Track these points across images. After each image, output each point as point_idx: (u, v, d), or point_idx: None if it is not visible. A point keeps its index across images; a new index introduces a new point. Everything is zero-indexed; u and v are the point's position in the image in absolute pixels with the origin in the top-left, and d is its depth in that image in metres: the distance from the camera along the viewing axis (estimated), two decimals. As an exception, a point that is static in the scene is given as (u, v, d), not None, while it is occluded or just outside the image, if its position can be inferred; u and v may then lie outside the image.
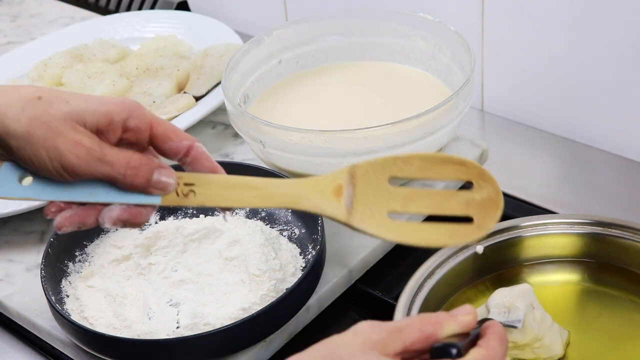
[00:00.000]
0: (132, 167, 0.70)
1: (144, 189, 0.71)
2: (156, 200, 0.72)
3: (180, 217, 1.01)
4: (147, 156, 0.71)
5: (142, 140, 0.71)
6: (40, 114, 0.69)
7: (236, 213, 1.00)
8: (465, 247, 0.90)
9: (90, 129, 0.69)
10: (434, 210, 0.71)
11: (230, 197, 0.73)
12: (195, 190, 0.72)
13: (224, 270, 0.92)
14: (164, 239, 0.96)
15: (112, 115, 0.69)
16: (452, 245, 0.72)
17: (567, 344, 0.82)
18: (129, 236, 0.98)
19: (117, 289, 0.91)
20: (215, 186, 0.72)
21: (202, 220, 0.99)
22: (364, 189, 0.70)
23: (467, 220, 0.71)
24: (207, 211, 1.01)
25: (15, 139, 0.69)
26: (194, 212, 1.01)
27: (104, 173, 0.70)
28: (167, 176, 0.71)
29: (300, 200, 0.71)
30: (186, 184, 0.72)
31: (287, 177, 0.98)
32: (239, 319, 0.83)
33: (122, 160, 0.70)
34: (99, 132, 0.70)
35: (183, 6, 1.55)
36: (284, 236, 0.97)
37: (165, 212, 1.01)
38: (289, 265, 0.92)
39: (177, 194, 0.72)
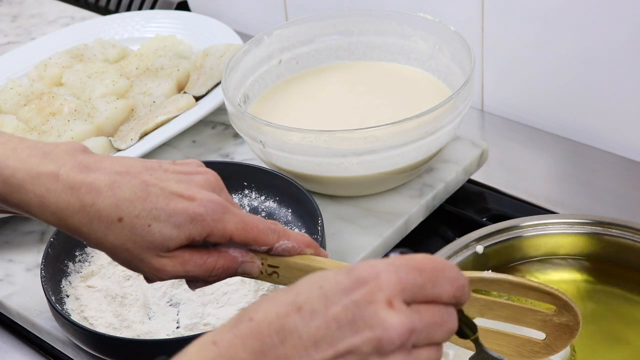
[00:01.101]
0: (215, 275, 0.73)
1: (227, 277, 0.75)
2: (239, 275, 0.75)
3: (180, 217, 1.01)
4: (230, 255, 0.73)
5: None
6: (124, 241, 0.70)
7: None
8: (465, 247, 0.90)
9: (172, 250, 0.71)
10: (510, 321, 0.73)
11: None
12: (279, 273, 0.75)
13: (224, 270, 0.92)
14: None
15: (194, 237, 0.71)
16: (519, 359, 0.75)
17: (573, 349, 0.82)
18: (129, 236, 0.98)
19: (117, 289, 0.91)
20: (298, 272, 0.75)
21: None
22: None
23: None
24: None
25: (100, 251, 0.73)
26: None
27: (188, 279, 0.74)
28: (250, 267, 0.74)
29: None
30: (270, 266, 0.75)
31: (286, 177, 0.98)
32: (239, 319, 0.83)
33: (204, 271, 0.72)
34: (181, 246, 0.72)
35: (183, 6, 1.55)
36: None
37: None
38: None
39: (262, 272, 0.75)
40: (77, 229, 0.71)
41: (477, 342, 0.69)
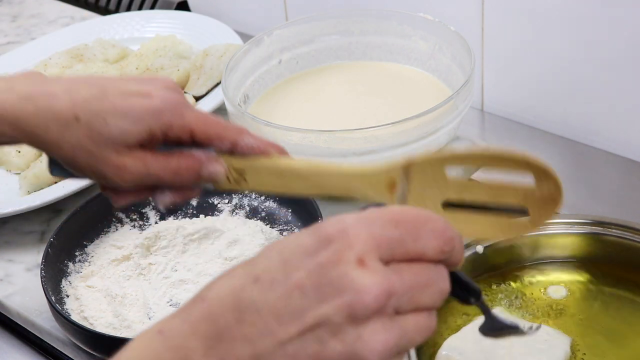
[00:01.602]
0: (178, 174, 0.70)
1: (194, 184, 0.71)
2: (209, 187, 0.72)
3: (180, 217, 1.01)
4: (193, 156, 0.70)
5: (186, 142, 0.71)
6: (82, 140, 0.68)
7: (236, 213, 1.00)
8: (465, 247, 0.89)
9: (132, 146, 0.69)
10: (489, 199, 0.69)
11: (281, 185, 0.72)
12: (247, 177, 0.72)
13: (224, 270, 0.92)
14: (164, 239, 0.96)
15: (153, 131, 0.69)
16: (504, 238, 0.71)
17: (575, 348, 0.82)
18: (129, 236, 0.98)
19: (117, 289, 0.91)
20: (266, 174, 0.71)
21: (202, 221, 0.99)
22: (419, 184, 0.68)
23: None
24: (208, 211, 1.01)
25: (59, 158, 0.71)
26: (194, 212, 1.01)
27: (153, 182, 0.70)
28: (214, 169, 0.70)
29: (351, 192, 0.70)
30: (237, 170, 0.71)
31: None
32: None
33: (167, 170, 0.70)
34: (142, 144, 0.70)
35: (183, 6, 1.55)
36: (284, 236, 0.97)
37: (166, 212, 1.01)
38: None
39: (229, 180, 0.72)
40: (34, 133, 0.69)
41: (483, 307, 0.62)
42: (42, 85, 0.70)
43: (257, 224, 0.97)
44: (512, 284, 0.89)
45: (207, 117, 0.71)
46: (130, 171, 0.69)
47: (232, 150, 0.71)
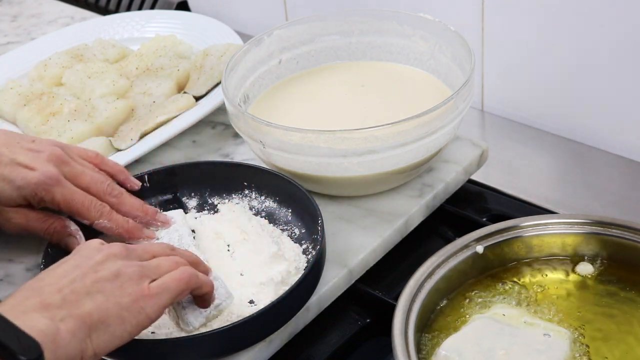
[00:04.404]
0: (49, 233, 0.93)
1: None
2: None
3: (180, 217, 1.01)
4: (64, 224, 0.92)
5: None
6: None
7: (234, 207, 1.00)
8: (465, 247, 0.90)
9: (15, 206, 0.92)
10: None
11: None
12: None
13: (223, 269, 0.92)
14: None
15: (28, 199, 0.91)
16: None
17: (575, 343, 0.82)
18: (129, 236, 0.98)
19: (117, 289, 0.91)
20: None
21: (203, 220, 0.99)
22: None
23: None
24: (207, 211, 1.01)
25: None
26: (194, 211, 1.01)
27: (30, 232, 0.94)
28: (71, 242, 0.92)
29: None
30: None
31: (286, 177, 0.98)
32: (239, 319, 0.83)
33: (42, 226, 0.92)
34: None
35: (183, 6, 1.55)
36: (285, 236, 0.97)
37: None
38: (289, 265, 0.92)
39: None
40: None
41: None
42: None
43: (260, 222, 0.97)
44: (512, 283, 0.89)
45: (73, 196, 0.91)
46: (13, 223, 0.92)
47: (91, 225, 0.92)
